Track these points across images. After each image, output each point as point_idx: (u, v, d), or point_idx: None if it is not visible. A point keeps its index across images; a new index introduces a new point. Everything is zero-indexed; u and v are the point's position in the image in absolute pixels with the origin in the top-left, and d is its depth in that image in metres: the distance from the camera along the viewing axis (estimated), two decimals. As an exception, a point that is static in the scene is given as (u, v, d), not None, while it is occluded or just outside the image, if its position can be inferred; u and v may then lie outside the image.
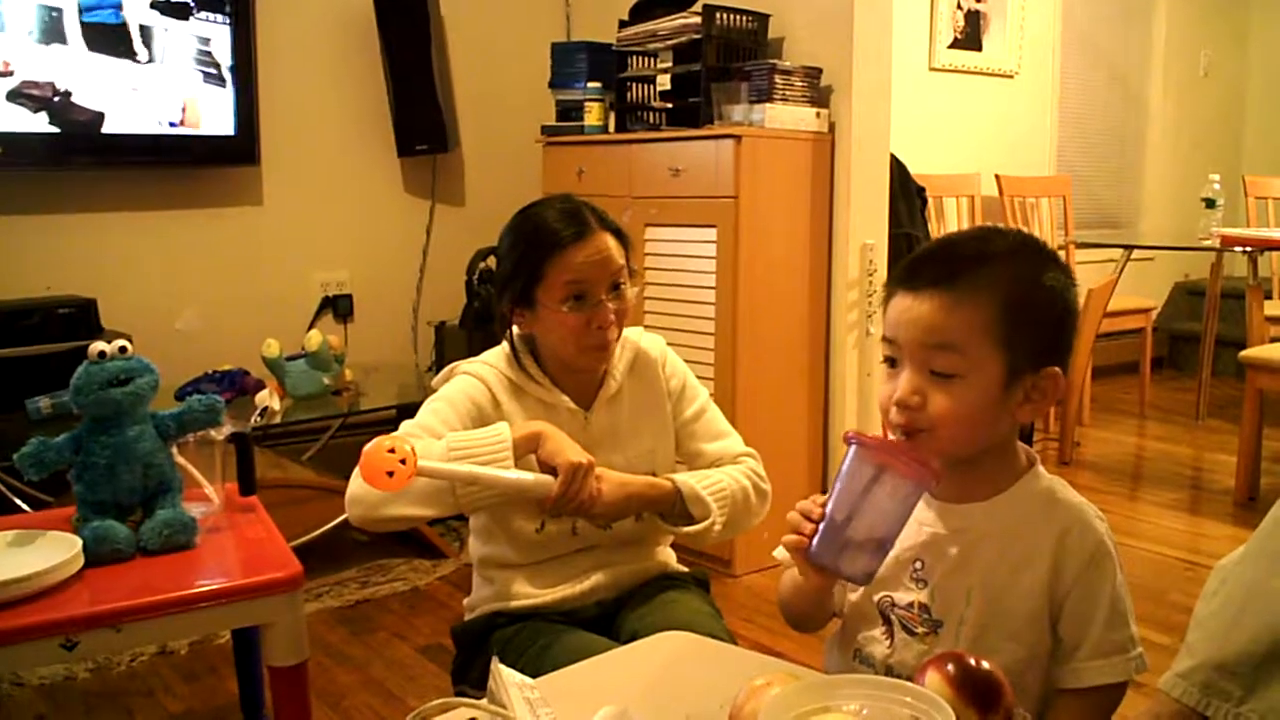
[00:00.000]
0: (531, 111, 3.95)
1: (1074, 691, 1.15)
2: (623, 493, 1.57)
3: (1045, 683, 1.17)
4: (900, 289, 1.15)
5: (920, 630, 1.18)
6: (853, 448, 1.10)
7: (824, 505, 1.10)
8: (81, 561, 1.60)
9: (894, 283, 1.18)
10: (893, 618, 1.20)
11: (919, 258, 1.19)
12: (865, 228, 3.29)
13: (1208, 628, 1.19)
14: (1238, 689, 1.14)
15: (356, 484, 1.49)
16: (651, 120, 3.52)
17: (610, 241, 1.63)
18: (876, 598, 1.21)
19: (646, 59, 3.52)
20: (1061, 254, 4.96)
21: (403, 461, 1.38)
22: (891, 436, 1.14)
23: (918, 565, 1.19)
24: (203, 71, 3.47)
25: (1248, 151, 6.59)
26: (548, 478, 1.51)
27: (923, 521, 1.19)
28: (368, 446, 1.39)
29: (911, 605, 1.19)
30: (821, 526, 1.09)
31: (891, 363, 1.16)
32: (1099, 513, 1.20)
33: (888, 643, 1.20)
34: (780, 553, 1.29)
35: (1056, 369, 1.15)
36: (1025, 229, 4.73)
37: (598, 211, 1.66)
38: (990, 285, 1.11)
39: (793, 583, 1.24)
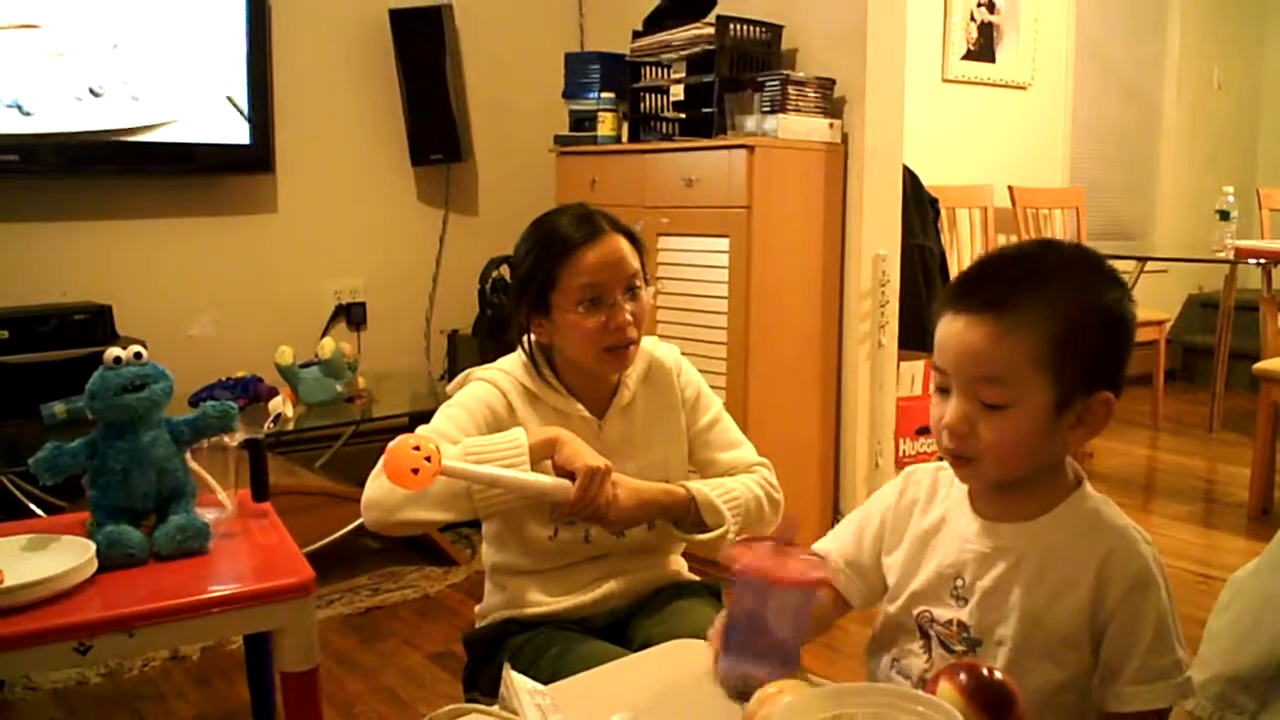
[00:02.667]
0: (545, 121, 3.96)
1: (1116, 716, 1.12)
2: (638, 499, 1.58)
3: (1083, 703, 1.14)
4: (949, 310, 1.12)
5: (958, 648, 1.16)
6: (736, 581, 1.15)
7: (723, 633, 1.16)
8: (95, 566, 1.61)
9: (943, 302, 1.14)
10: (931, 633, 1.19)
11: (971, 277, 1.16)
12: (878, 239, 3.29)
13: (1221, 641, 1.19)
14: (1251, 702, 1.13)
15: (374, 487, 1.50)
16: (665, 130, 3.53)
17: (623, 244, 1.64)
18: (916, 612, 1.20)
19: (660, 69, 3.53)
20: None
21: (427, 459, 1.38)
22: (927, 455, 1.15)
23: (959, 582, 1.17)
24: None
25: (1262, 164, 6.57)
26: (565, 482, 1.51)
27: (965, 538, 1.18)
28: (392, 444, 1.40)
29: (950, 623, 1.17)
30: (724, 653, 1.15)
31: (942, 389, 1.14)
32: (1146, 536, 1.16)
33: (925, 657, 1.19)
34: (822, 545, 1.32)
35: (1109, 394, 1.12)
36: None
37: (610, 216, 1.67)
38: (1041, 312, 1.08)
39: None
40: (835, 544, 1.31)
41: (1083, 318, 1.10)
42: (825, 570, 1.13)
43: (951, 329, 1.11)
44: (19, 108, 3.14)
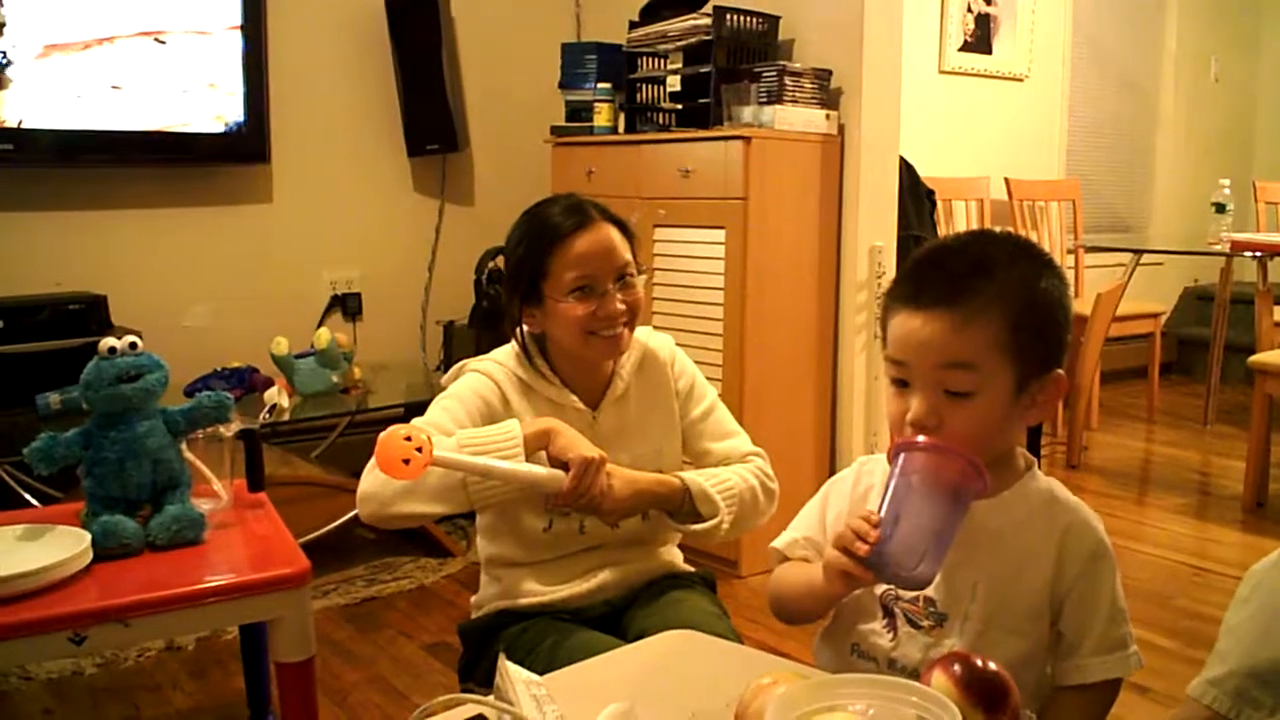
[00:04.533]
0: (541, 112, 3.95)
1: (1076, 688, 1.17)
2: (632, 489, 1.58)
3: (1041, 679, 1.19)
4: (903, 308, 1.16)
5: (925, 623, 1.19)
6: (902, 456, 1.12)
7: (879, 519, 1.10)
8: (90, 556, 1.61)
9: (895, 300, 1.18)
10: (896, 611, 1.21)
11: (918, 274, 1.19)
12: (874, 230, 3.29)
13: (1239, 635, 1.18)
14: (1269, 697, 1.13)
15: (369, 479, 1.50)
16: (661, 121, 3.52)
17: (614, 233, 1.64)
18: (879, 591, 1.22)
19: (656, 60, 3.52)
20: (1070, 258, 4.99)
21: (419, 450, 1.38)
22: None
23: None
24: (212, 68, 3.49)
25: (1258, 156, 6.57)
26: (560, 472, 1.51)
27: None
28: (383, 435, 1.39)
29: (917, 599, 1.20)
30: (885, 539, 1.09)
31: (901, 383, 1.16)
32: (1095, 514, 1.23)
33: (890, 636, 1.21)
34: (780, 541, 1.31)
35: (1060, 371, 1.17)
36: (1031, 233, 4.76)
37: (601, 206, 1.67)
38: (997, 300, 1.13)
39: (807, 586, 1.23)
40: (800, 530, 1.33)
41: (1030, 302, 1.15)
42: (983, 483, 1.10)
43: (910, 325, 1.14)
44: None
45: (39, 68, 3.17)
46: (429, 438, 1.40)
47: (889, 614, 1.22)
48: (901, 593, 1.20)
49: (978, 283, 1.13)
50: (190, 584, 1.61)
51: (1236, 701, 1.13)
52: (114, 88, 3.31)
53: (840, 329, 3.31)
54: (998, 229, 1.23)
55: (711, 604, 1.68)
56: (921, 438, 1.12)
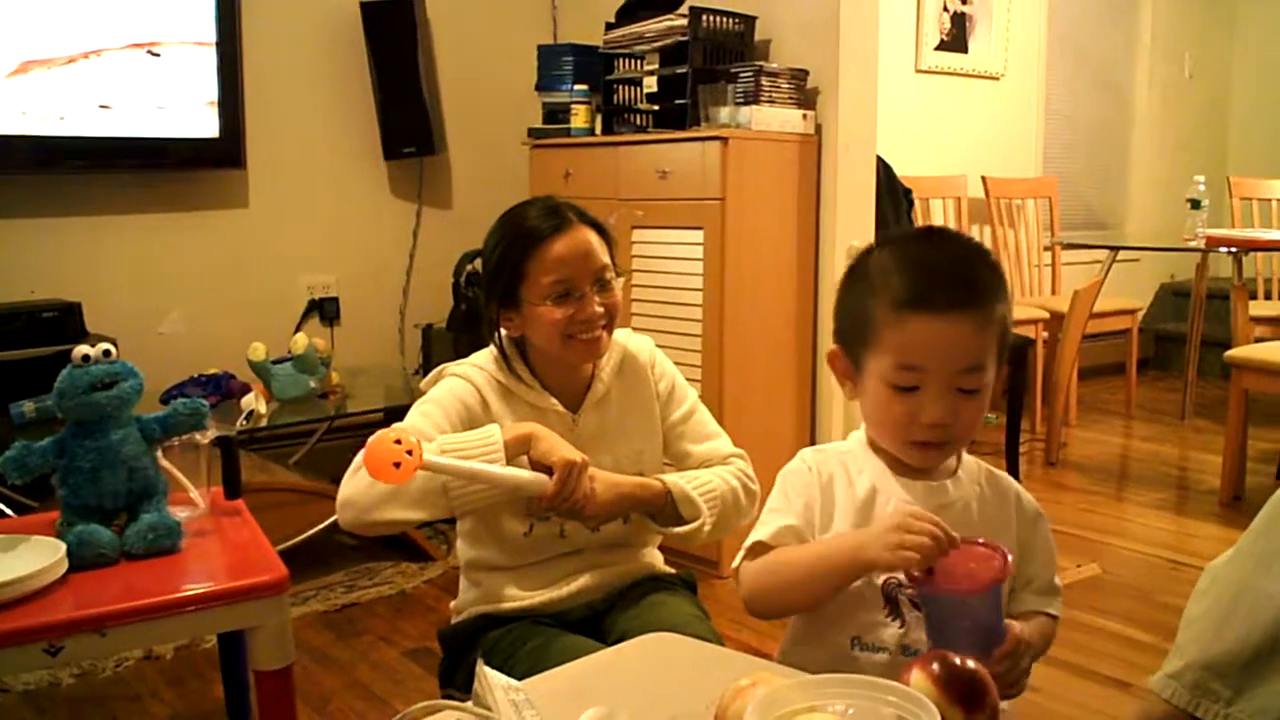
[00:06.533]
0: (518, 114, 3.95)
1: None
2: (614, 493, 1.57)
3: None
4: (918, 313, 1.16)
5: None
6: (934, 596, 1.12)
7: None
8: (65, 566, 1.59)
9: (901, 306, 1.17)
10: (900, 598, 1.22)
11: (926, 278, 1.19)
12: (852, 229, 3.30)
13: (1197, 628, 1.20)
14: (1227, 689, 1.14)
15: (350, 485, 1.49)
16: (638, 122, 3.52)
17: (591, 236, 1.63)
18: (880, 580, 1.22)
19: (633, 61, 3.52)
20: (1047, 255, 5.01)
21: (409, 453, 1.37)
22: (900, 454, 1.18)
23: None
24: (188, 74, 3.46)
25: (1233, 152, 6.62)
26: (543, 476, 1.51)
27: (908, 501, 1.24)
28: (372, 439, 1.38)
29: None
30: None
31: (908, 388, 1.18)
32: None
33: (898, 624, 1.21)
34: (765, 534, 1.28)
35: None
36: (1009, 231, 4.79)
37: (578, 208, 1.67)
38: (993, 298, 1.18)
39: (815, 561, 1.22)
40: (781, 519, 1.28)
41: (1005, 299, 1.21)
42: (1003, 564, 1.11)
43: (929, 329, 1.16)
44: None
45: (14, 84, 3.14)
46: (418, 441, 1.40)
47: (891, 601, 1.22)
48: (904, 579, 1.19)
49: (979, 283, 1.18)
50: (167, 593, 1.59)
51: (1195, 694, 1.15)
52: (102, 107, 3.28)
53: (819, 328, 3.32)
54: (951, 227, 1.28)
55: (692, 606, 1.68)
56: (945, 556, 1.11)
